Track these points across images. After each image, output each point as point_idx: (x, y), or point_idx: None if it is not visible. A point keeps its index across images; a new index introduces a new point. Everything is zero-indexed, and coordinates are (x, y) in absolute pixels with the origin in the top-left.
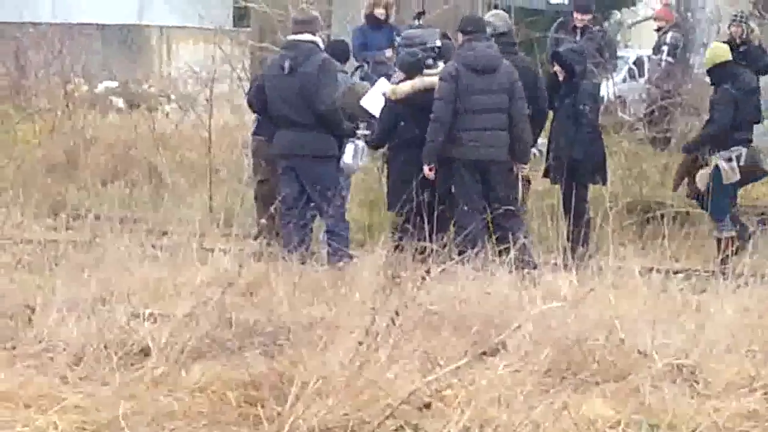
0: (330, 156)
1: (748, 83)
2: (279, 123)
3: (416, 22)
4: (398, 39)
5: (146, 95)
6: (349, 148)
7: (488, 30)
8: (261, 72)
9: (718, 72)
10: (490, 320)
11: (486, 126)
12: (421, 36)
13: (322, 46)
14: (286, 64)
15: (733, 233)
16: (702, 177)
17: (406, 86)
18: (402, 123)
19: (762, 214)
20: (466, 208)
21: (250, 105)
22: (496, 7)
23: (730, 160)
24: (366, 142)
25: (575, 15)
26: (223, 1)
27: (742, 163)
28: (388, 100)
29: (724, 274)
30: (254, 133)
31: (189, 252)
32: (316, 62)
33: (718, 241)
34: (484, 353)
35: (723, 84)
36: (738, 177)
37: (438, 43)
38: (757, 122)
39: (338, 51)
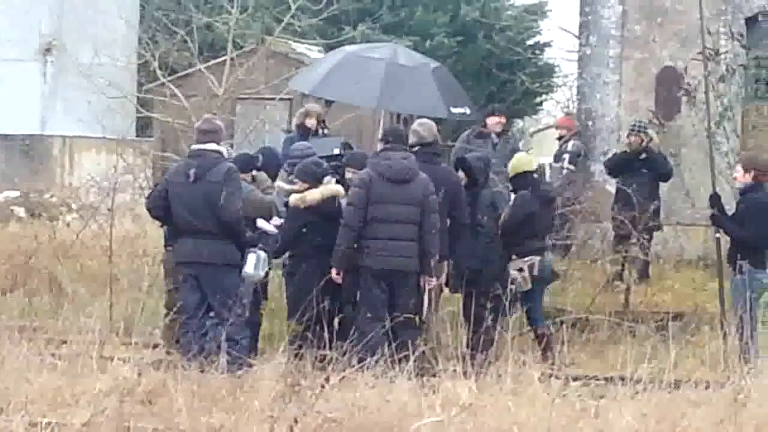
0: (232, 264)
1: (547, 193)
2: (182, 231)
3: (321, 132)
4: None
5: (48, 205)
6: (251, 258)
7: (414, 139)
8: (163, 179)
9: (520, 180)
10: (390, 428)
11: (395, 236)
12: (304, 149)
13: (226, 155)
14: (192, 173)
15: (545, 330)
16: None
17: (316, 194)
18: (305, 231)
19: (661, 319)
20: (369, 315)
21: (150, 210)
22: (399, 118)
23: (521, 270)
24: (266, 251)
25: (493, 119)
26: (126, 111)
27: (535, 272)
28: (294, 208)
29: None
30: (166, 244)
31: (88, 361)
32: (221, 171)
33: (537, 334)
34: None
35: (522, 190)
36: (529, 286)
37: (337, 151)
38: (550, 232)
39: (243, 162)
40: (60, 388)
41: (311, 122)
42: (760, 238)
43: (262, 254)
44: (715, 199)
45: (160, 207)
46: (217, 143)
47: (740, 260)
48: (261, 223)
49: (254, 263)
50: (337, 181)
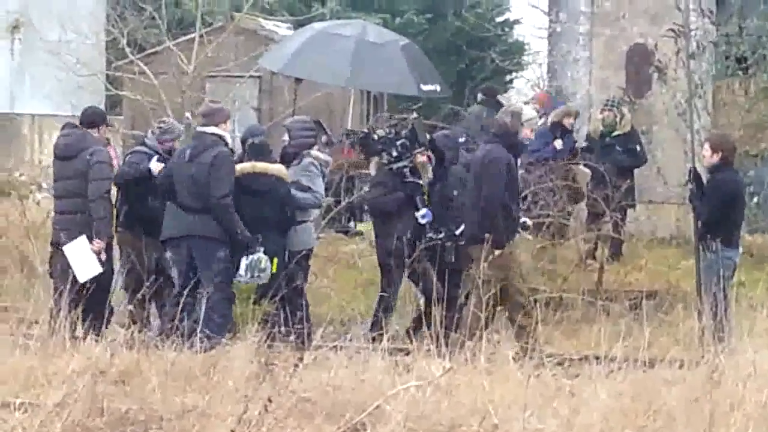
0: (216, 239)
1: None
2: (176, 206)
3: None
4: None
5: (17, 183)
6: (243, 262)
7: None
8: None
9: None
10: (364, 406)
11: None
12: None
13: (228, 139)
14: (187, 153)
15: None
16: None
17: (246, 166)
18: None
19: (634, 298)
20: None
21: (160, 185)
22: (369, 95)
23: None
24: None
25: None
26: (95, 89)
27: None
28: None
29: None
30: (120, 226)
31: (60, 340)
32: (211, 155)
33: None
34: None
35: None
36: None
37: None
38: None
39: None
40: (32, 368)
41: (569, 122)
42: (724, 217)
43: (255, 257)
44: (694, 176)
45: (165, 184)
46: (217, 125)
47: (710, 239)
48: None
49: (244, 268)
50: None
